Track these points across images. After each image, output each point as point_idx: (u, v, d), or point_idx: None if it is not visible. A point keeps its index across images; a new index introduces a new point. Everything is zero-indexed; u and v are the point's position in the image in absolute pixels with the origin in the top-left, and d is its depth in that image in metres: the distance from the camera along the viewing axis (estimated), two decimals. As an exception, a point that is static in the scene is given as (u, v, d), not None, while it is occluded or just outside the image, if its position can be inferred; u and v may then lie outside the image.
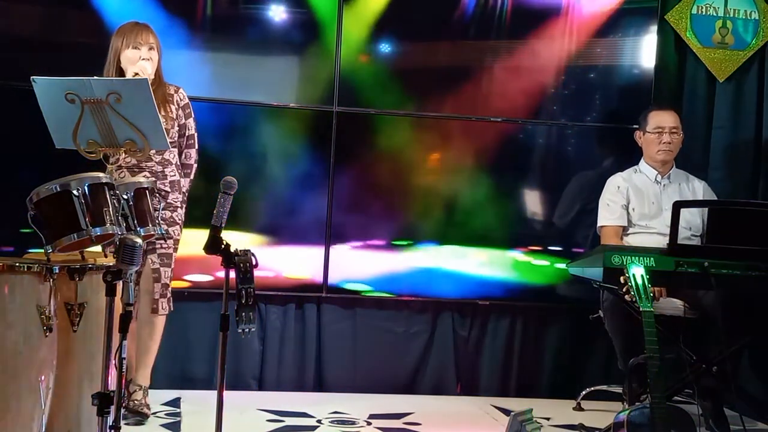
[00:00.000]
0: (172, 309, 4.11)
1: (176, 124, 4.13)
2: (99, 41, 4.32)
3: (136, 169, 4.06)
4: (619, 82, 5.06)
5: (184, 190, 4.19)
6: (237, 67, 4.74)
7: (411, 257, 4.89)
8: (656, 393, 3.15)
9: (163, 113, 4.06)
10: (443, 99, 4.92)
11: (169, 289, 4.12)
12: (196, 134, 4.22)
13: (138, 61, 3.99)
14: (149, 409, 4.05)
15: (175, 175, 4.14)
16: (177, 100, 4.15)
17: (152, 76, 4.05)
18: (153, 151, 4.04)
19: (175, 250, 4.14)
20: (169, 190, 4.12)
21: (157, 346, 4.12)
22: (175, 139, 4.15)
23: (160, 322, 4.10)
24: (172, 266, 4.13)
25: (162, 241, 4.05)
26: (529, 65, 4.97)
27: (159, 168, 4.09)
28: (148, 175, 4.05)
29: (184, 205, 4.19)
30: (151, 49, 4.06)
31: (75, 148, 3.27)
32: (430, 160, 4.99)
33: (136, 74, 3.88)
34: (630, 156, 4.69)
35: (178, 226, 4.14)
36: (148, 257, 4.08)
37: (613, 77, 5.06)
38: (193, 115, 4.21)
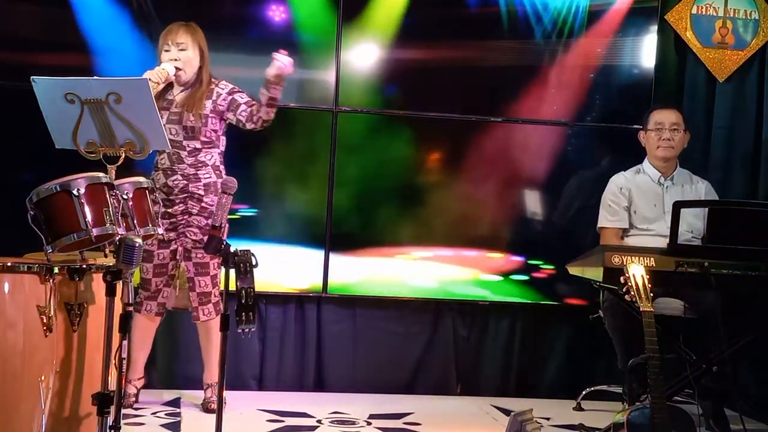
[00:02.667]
0: (221, 311, 4.13)
1: (211, 121, 4.09)
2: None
3: (169, 172, 4.08)
4: (619, 82, 5.06)
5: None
6: (237, 67, 4.74)
7: (411, 256, 4.89)
8: (656, 393, 3.15)
9: (193, 111, 4.05)
10: (443, 99, 4.92)
11: (212, 294, 4.13)
12: (250, 98, 4.13)
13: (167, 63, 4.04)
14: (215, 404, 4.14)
15: (210, 177, 4.11)
16: (217, 92, 4.12)
17: (183, 78, 4.07)
18: (185, 153, 4.05)
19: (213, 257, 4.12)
20: (203, 193, 4.10)
21: (214, 347, 4.16)
22: (211, 137, 4.12)
23: (209, 327, 4.15)
24: (211, 273, 4.11)
25: (197, 250, 4.06)
26: (529, 65, 4.98)
27: (191, 171, 4.09)
28: (179, 178, 4.06)
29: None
30: (182, 49, 4.07)
31: (75, 148, 3.27)
32: (431, 160, 4.99)
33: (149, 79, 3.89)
34: (630, 156, 4.68)
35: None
36: (185, 264, 4.09)
37: (613, 77, 5.06)
38: (242, 93, 4.13)
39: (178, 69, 4.07)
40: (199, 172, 4.10)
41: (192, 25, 4.17)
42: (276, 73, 3.96)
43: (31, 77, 3.19)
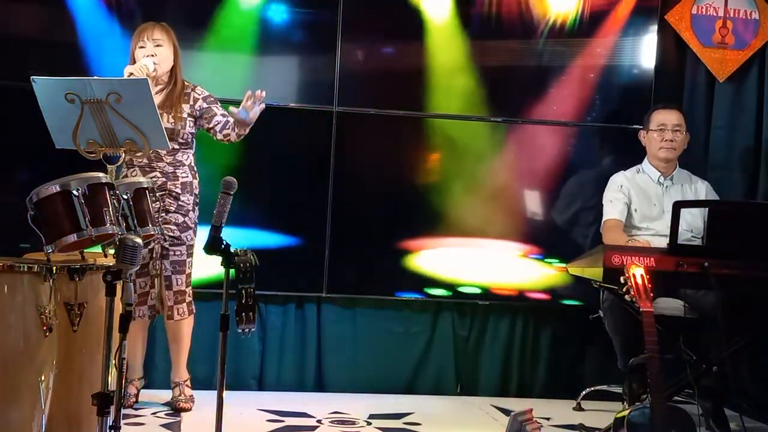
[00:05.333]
0: (194, 311, 4.16)
1: (188, 124, 4.12)
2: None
3: (147, 169, 4.08)
4: (619, 82, 5.06)
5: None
6: (237, 67, 4.75)
7: (411, 257, 4.89)
8: (656, 393, 3.15)
9: (173, 113, 4.06)
10: (444, 99, 4.92)
11: (187, 294, 4.14)
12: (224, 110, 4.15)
13: (143, 59, 4.01)
14: (187, 403, 4.19)
15: (187, 177, 4.14)
16: (194, 96, 4.15)
17: (159, 73, 4.04)
18: (164, 152, 4.05)
19: (189, 255, 4.14)
20: (180, 191, 4.12)
21: (183, 348, 4.22)
22: (187, 139, 4.14)
23: (181, 327, 4.15)
24: (187, 272, 4.13)
25: (175, 248, 4.06)
26: (528, 65, 4.98)
27: (170, 169, 4.10)
28: (158, 175, 4.06)
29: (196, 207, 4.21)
30: (158, 45, 4.07)
31: (75, 148, 3.27)
32: (431, 160, 4.99)
33: (131, 74, 3.87)
34: (630, 156, 4.69)
35: (191, 231, 4.13)
36: (163, 263, 4.08)
37: (613, 77, 5.06)
38: (218, 104, 4.18)
39: (154, 64, 4.04)
40: (177, 171, 4.12)
41: (165, 25, 4.17)
42: (251, 119, 3.97)
43: (31, 77, 3.19)
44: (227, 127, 4.10)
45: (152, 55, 4.04)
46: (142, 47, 4.08)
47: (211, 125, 4.15)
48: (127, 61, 4.14)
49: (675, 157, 4.51)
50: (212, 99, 4.19)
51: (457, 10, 4.89)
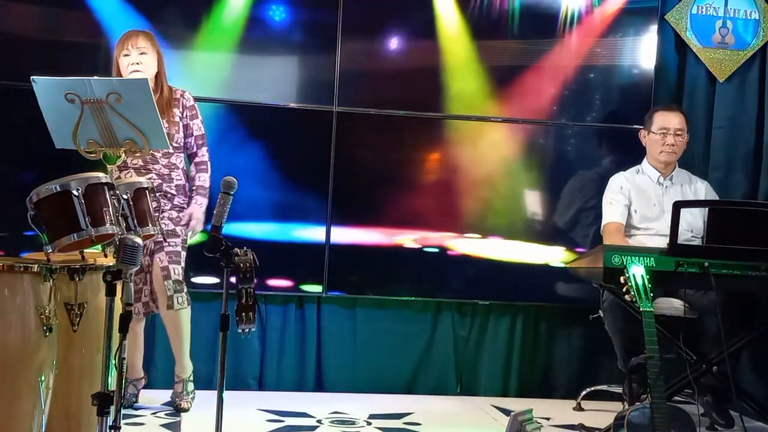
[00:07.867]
0: (190, 302, 4.14)
1: (181, 128, 4.15)
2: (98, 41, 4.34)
3: (143, 171, 4.08)
4: (619, 82, 5.06)
5: (206, 185, 4.20)
6: (237, 67, 4.75)
7: (411, 257, 4.88)
8: (656, 393, 3.15)
9: (166, 118, 4.07)
10: (443, 99, 4.92)
11: (184, 284, 4.13)
12: (204, 135, 4.24)
13: (128, 67, 4.01)
14: (188, 402, 4.17)
15: (181, 179, 4.16)
16: (183, 103, 4.17)
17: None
18: (160, 154, 4.06)
19: (184, 248, 4.15)
20: (175, 193, 4.15)
21: (184, 339, 4.18)
22: (181, 143, 4.16)
23: (181, 316, 4.12)
24: (182, 264, 4.13)
25: (170, 239, 4.07)
26: (528, 65, 4.98)
27: (166, 171, 4.12)
28: (154, 177, 4.06)
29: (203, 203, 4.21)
30: (142, 53, 4.07)
31: (75, 148, 3.27)
32: (430, 160, 4.99)
33: None
34: (630, 156, 4.69)
35: (184, 227, 4.15)
36: (156, 257, 4.08)
37: (613, 77, 5.06)
38: (199, 117, 4.22)
39: (139, 71, 4.04)
40: (172, 173, 4.15)
41: (148, 32, 4.18)
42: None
43: (31, 77, 3.19)
44: (191, 156, 4.22)
45: (137, 63, 4.03)
46: (126, 55, 4.06)
47: (183, 140, 4.21)
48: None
49: (675, 160, 4.52)
50: (194, 113, 4.21)
51: (459, 9, 4.89)
